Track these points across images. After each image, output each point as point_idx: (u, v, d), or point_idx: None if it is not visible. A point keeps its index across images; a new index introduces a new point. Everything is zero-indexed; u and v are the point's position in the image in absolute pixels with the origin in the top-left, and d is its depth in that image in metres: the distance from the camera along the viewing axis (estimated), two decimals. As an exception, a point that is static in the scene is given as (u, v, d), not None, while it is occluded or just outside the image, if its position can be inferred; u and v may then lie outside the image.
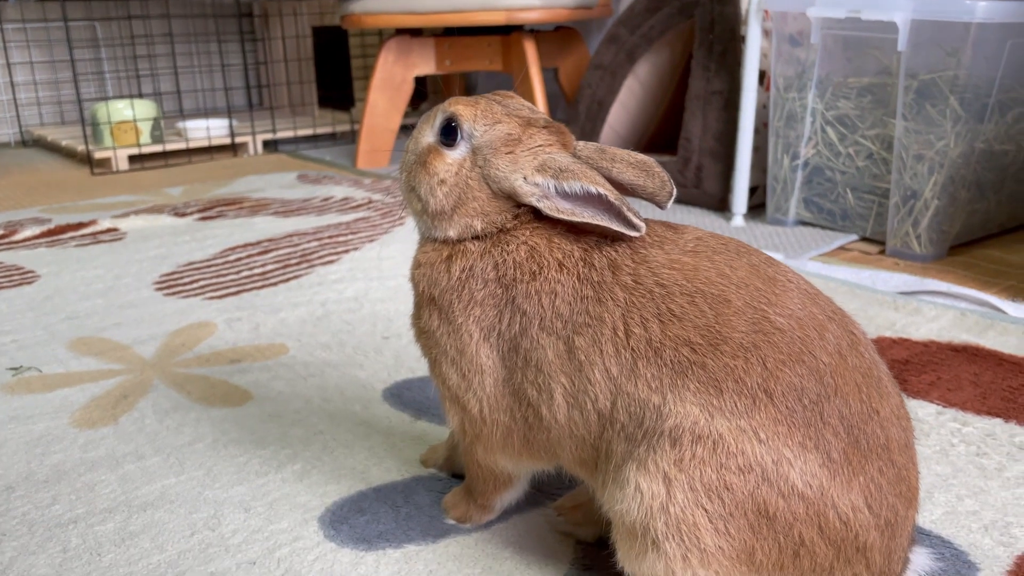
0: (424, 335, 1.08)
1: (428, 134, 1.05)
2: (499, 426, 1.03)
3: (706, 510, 0.85)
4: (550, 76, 3.80)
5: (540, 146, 1.00)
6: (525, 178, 0.99)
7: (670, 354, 0.89)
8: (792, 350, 0.87)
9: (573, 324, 0.95)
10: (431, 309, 1.05)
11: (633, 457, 0.90)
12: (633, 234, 0.95)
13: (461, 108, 1.03)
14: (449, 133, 1.03)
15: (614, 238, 0.97)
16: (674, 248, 0.95)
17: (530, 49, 3.40)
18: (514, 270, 0.99)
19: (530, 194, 0.99)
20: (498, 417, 1.03)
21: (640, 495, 0.88)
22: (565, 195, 0.97)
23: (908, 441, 0.90)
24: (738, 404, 0.85)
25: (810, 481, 0.84)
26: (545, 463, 1.07)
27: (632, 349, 0.91)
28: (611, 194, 0.94)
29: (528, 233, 1.01)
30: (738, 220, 2.70)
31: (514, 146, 1.00)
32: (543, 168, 0.98)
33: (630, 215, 0.93)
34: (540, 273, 0.98)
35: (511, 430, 1.03)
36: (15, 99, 4.61)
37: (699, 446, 0.85)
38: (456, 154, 1.02)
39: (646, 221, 0.96)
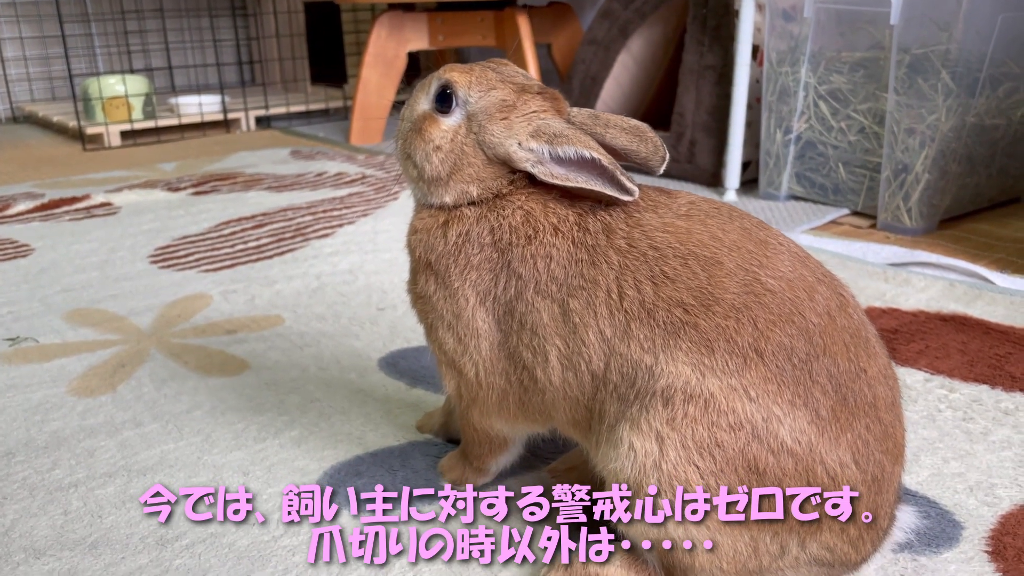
0: (420, 300, 1.09)
1: (423, 101, 1.06)
2: (495, 389, 1.05)
3: (698, 467, 0.86)
4: (544, 52, 3.79)
5: (534, 112, 1.01)
6: (520, 144, 1.00)
7: (663, 315, 0.90)
8: (782, 311, 0.88)
9: (568, 287, 0.96)
10: (427, 274, 1.06)
11: (626, 417, 0.91)
12: (626, 198, 0.96)
13: (456, 75, 1.03)
14: (444, 100, 1.03)
15: (608, 203, 0.98)
16: (667, 212, 0.97)
17: (523, 24, 3.39)
18: (510, 234, 1.00)
19: (524, 160, 1.00)
20: (494, 380, 1.04)
21: (633, 454, 0.90)
22: (559, 160, 0.98)
23: (894, 400, 0.92)
24: (729, 363, 0.87)
25: (799, 438, 0.86)
26: (540, 426, 1.08)
27: (626, 311, 0.92)
28: (604, 158, 0.95)
29: (523, 198, 1.02)
30: (731, 195, 2.71)
31: (508, 112, 1.01)
32: (537, 134, 0.99)
33: (623, 179, 0.95)
34: (535, 237, 0.99)
35: (506, 393, 1.04)
36: (5, 75, 4.58)
37: (691, 405, 0.87)
38: (451, 121, 1.03)
39: (639, 186, 0.98)
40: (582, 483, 1.13)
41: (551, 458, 1.25)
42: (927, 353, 1.54)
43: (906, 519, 1.01)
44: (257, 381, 1.52)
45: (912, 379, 1.45)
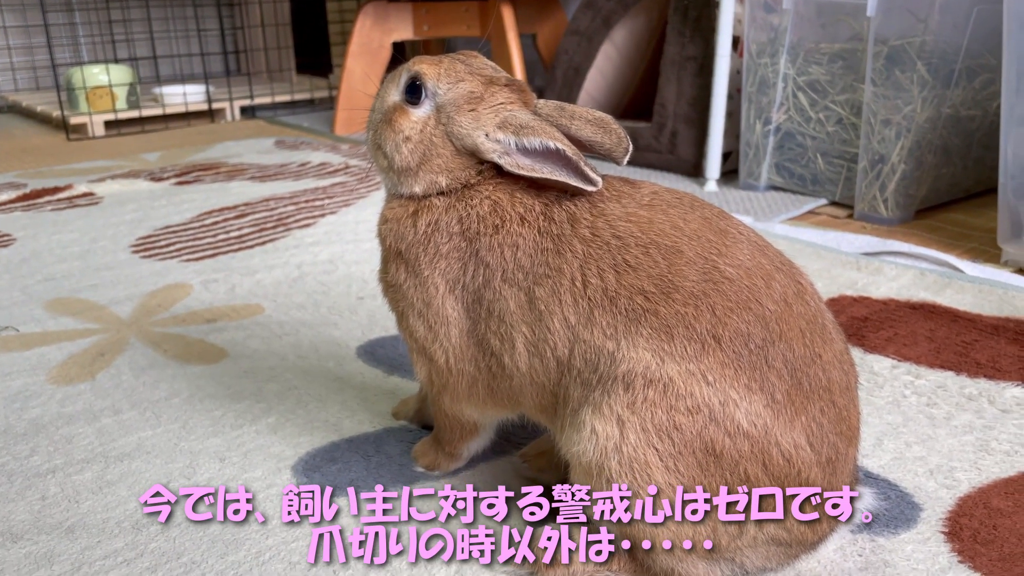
0: (391, 289, 1.11)
1: (393, 93, 1.08)
2: (464, 376, 1.07)
3: (657, 449, 0.89)
4: (528, 43, 3.80)
5: (501, 104, 1.03)
6: (487, 135, 1.02)
7: (625, 303, 0.92)
8: (740, 298, 0.91)
9: (534, 275, 0.98)
10: (398, 263, 1.08)
11: (589, 401, 0.94)
12: (590, 188, 0.98)
13: (425, 67, 1.05)
14: (414, 91, 1.05)
15: (573, 193, 1.00)
16: (631, 202, 0.99)
17: (508, 14, 3.40)
18: (478, 224, 1.02)
19: (491, 151, 1.02)
20: (463, 367, 1.06)
21: (595, 437, 0.92)
22: (525, 151, 1.00)
23: (849, 384, 0.95)
24: (688, 349, 0.89)
25: (755, 421, 0.88)
26: (509, 411, 1.11)
27: (589, 298, 0.94)
28: (568, 149, 0.97)
29: (491, 189, 1.04)
30: (711, 185, 2.73)
31: (476, 104, 1.03)
32: (504, 125, 1.01)
33: (587, 170, 0.97)
34: (503, 227, 1.01)
35: (476, 379, 1.06)
36: (-12, 64, 4.56)
37: (650, 389, 0.89)
38: (421, 112, 1.05)
39: (604, 177, 1.00)
40: (552, 468, 1.16)
41: (522, 443, 1.27)
42: (895, 340, 1.56)
43: (864, 499, 1.04)
44: (236, 369, 1.54)
45: (880, 366, 1.48)
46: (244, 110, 4.24)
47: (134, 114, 3.91)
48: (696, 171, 2.86)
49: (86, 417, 1.37)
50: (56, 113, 3.90)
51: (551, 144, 0.97)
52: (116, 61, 4.35)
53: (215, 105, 4.11)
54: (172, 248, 2.19)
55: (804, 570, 1.00)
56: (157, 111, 3.99)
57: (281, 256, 2.11)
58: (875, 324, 1.63)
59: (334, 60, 4.44)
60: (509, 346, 1.00)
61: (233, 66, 5.12)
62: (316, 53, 4.52)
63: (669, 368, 0.89)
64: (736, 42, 2.72)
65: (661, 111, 2.91)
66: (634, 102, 3.32)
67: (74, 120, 3.78)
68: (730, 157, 2.84)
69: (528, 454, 1.22)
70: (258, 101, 4.21)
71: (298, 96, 4.33)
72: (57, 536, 1.08)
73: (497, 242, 1.01)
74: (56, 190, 2.74)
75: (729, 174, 2.83)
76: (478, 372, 1.06)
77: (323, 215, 2.42)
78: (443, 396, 1.12)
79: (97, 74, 3.85)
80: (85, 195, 2.70)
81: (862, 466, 1.19)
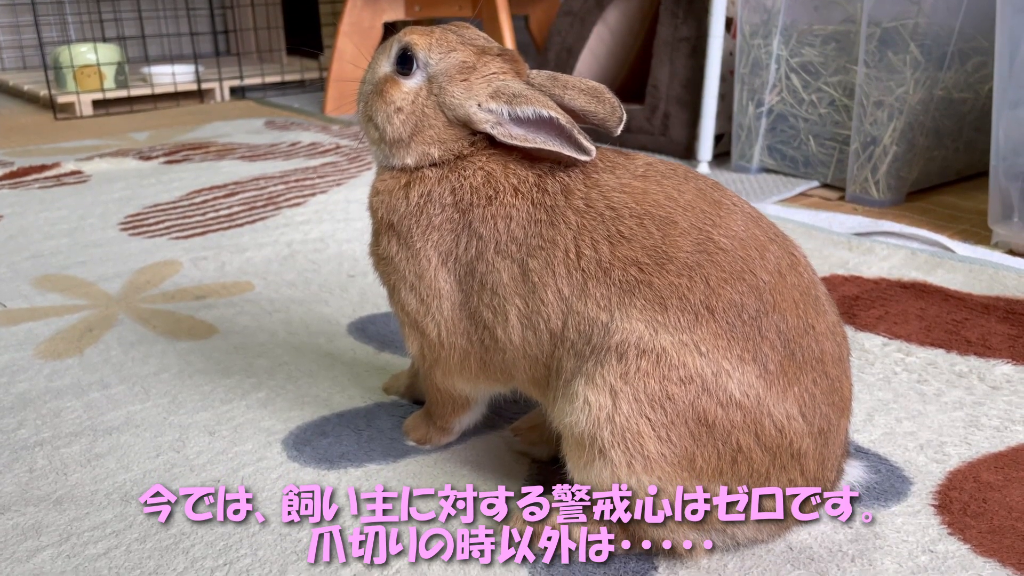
0: (383, 261, 1.10)
1: (384, 64, 1.07)
2: (456, 349, 1.06)
3: (649, 419, 0.89)
4: (520, 24, 3.78)
5: (494, 73, 1.02)
6: (479, 105, 1.01)
7: (619, 274, 0.92)
8: (734, 269, 0.90)
9: (527, 247, 0.98)
10: (390, 235, 1.07)
11: (582, 372, 0.93)
12: (584, 158, 0.97)
13: (416, 37, 1.04)
14: (405, 62, 1.04)
15: (567, 164, 1.00)
16: (625, 173, 0.98)
17: (500, -5, 3.37)
18: (471, 195, 1.02)
19: (484, 121, 1.01)
20: (455, 341, 1.06)
21: (588, 407, 0.91)
22: (518, 120, 0.99)
23: (842, 355, 0.95)
24: (681, 320, 0.89)
25: (747, 391, 0.88)
26: (501, 385, 1.10)
27: (583, 270, 0.94)
28: (562, 117, 0.96)
29: (484, 159, 1.03)
30: (703, 167, 2.73)
31: (469, 74, 1.02)
32: (497, 95, 1.00)
33: (580, 138, 0.96)
34: (496, 198, 1.00)
35: (468, 353, 1.06)
36: (-26, 43, 4.50)
37: (643, 360, 0.89)
38: (412, 83, 1.04)
39: (598, 147, 0.99)
40: (544, 441, 1.16)
41: (514, 417, 1.27)
42: (886, 319, 1.57)
43: (855, 473, 1.05)
44: (225, 345, 1.53)
45: (871, 343, 1.48)
46: (234, 91, 4.21)
47: (122, 94, 3.87)
48: (688, 153, 2.85)
49: (74, 391, 1.36)
50: (43, 92, 3.86)
51: (544, 112, 0.97)
52: (104, 40, 4.31)
53: (204, 86, 4.08)
54: (161, 226, 2.17)
55: (795, 542, 1.00)
56: (146, 91, 3.95)
57: (271, 234, 2.09)
58: (866, 303, 1.63)
59: (325, 41, 4.40)
60: (502, 319, 1.00)
61: (223, 46, 5.08)
62: (307, 33, 4.48)
63: (662, 339, 0.89)
64: (729, 23, 2.71)
65: (654, 93, 2.90)
66: (627, 84, 3.31)
67: (62, 99, 3.75)
68: (722, 139, 2.83)
69: (520, 428, 1.22)
70: (248, 82, 4.18)
71: (288, 77, 4.29)
72: (45, 508, 1.07)
73: (491, 213, 1.00)
74: (44, 168, 2.71)
75: (721, 156, 2.83)
76: (470, 346, 1.05)
77: (313, 194, 2.41)
78: (435, 370, 1.11)
79: (85, 53, 3.81)
80: (73, 173, 2.67)
81: (853, 440, 1.19)
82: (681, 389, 0.88)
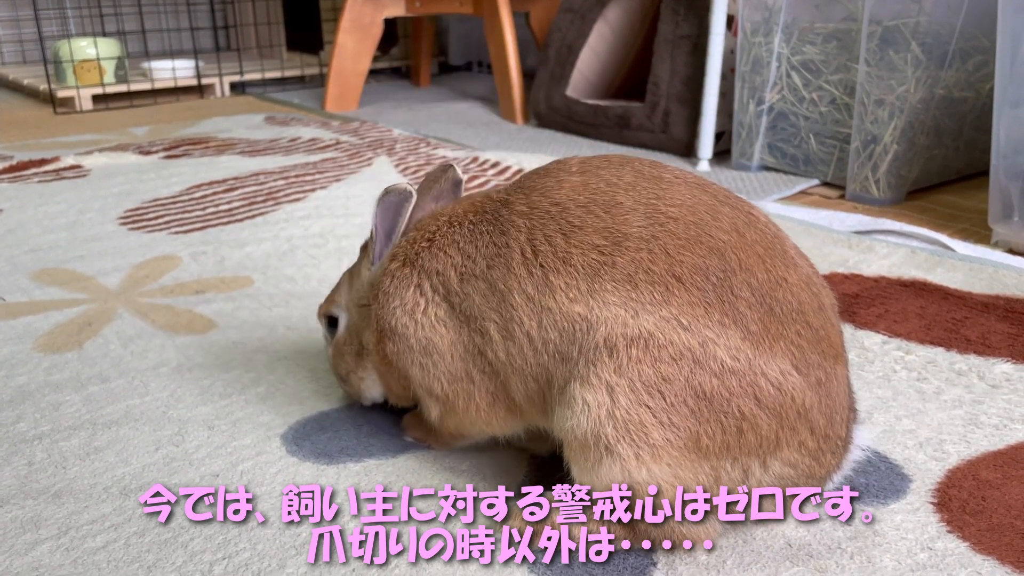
0: (391, 361, 1.12)
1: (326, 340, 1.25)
2: (460, 395, 1.06)
3: (649, 407, 0.89)
4: (521, 21, 3.77)
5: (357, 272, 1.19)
6: (361, 280, 1.17)
7: (579, 259, 0.94)
8: (688, 234, 0.92)
9: (485, 258, 1.00)
10: (388, 338, 1.10)
11: (574, 376, 0.93)
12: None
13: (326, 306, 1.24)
14: (332, 324, 1.22)
15: (501, 192, 1.05)
16: (560, 172, 1.03)
17: (501, -9, 3.37)
18: (414, 246, 1.08)
19: (367, 270, 1.15)
20: (459, 387, 1.05)
21: (587, 407, 0.91)
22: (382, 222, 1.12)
23: (821, 304, 0.95)
24: (654, 294, 0.90)
25: (736, 355, 0.88)
26: (511, 421, 1.07)
27: (541, 265, 0.96)
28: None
29: (410, 234, 1.12)
30: (704, 165, 2.73)
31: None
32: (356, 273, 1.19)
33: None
34: (436, 233, 1.07)
35: (471, 393, 1.05)
36: (-26, 36, 4.50)
37: (633, 347, 0.89)
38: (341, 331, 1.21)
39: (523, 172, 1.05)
40: (543, 437, 1.16)
41: (514, 414, 1.26)
42: (886, 317, 1.57)
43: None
44: (224, 339, 1.52)
45: (870, 341, 1.48)
46: (234, 86, 4.20)
47: (122, 88, 3.87)
48: (688, 151, 2.85)
49: (73, 385, 1.36)
50: (43, 86, 3.85)
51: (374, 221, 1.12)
52: (104, 35, 4.31)
53: (204, 81, 4.07)
54: (160, 221, 2.17)
55: (794, 539, 1.00)
56: (146, 86, 3.95)
57: (271, 229, 2.09)
58: (866, 301, 1.63)
59: (325, 36, 4.40)
60: (487, 338, 1.01)
61: (223, 41, 5.07)
62: (307, 29, 4.47)
63: (644, 320, 0.89)
64: (730, 21, 2.71)
65: (654, 90, 2.89)
66: (627, 81, 3.30)
67: (61, 93, 3.74)
68: (723, 137, 2.83)
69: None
70: (248, 77, 4.18)
71: (288, 72, 4.29)
72: (44, 501, 1.07)
73: (436, 247, 1.06)
74: (43, 162, 2.71)
75: (722, 154, 2.83)
76: (472, 384, 1.04)
77: (313, 190, 2.41)
78: (447, 421, 1.11)
79: (85, 47, 3.80)
80: (72, 167, 2.67)
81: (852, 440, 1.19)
82: (674, 368, 0.88)
